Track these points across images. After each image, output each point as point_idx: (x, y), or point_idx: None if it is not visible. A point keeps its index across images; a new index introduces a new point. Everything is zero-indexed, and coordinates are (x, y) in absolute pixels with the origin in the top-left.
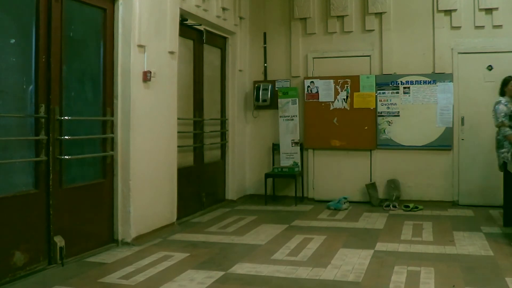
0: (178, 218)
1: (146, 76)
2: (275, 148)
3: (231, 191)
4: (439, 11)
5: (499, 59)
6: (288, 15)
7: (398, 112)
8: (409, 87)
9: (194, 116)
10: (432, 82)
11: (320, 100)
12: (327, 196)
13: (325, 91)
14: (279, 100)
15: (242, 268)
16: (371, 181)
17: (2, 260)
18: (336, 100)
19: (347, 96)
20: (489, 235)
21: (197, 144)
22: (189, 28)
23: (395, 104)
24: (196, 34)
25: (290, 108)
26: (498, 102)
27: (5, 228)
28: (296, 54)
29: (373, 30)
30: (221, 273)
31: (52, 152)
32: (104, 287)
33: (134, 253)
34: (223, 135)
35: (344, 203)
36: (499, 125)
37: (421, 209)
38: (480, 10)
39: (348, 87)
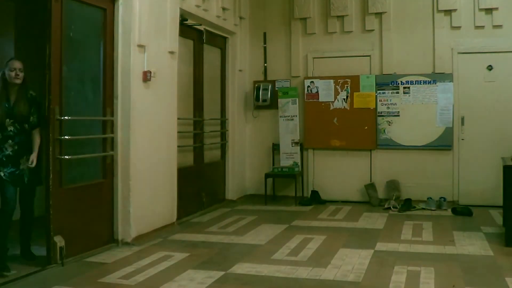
0: (178, 218)
1: (146, 76)
2: (275, 148)
3: (231, 191)
4: (439, 11)
5: (499, 59)
6: (288, 15)
7: (398, 112)
8: (409, 87)
9: (194, 116)
10: (432, 82)
11: (320, 100)
12: (327, 196)
13: (325, 91)
14: (279, 100)
15: (242, 268)
16: (371, 181)
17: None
18: (336, 100)
19: (347, 96)
20: (489, 235)
21: (197, 144)
22: (189, 28)
23: (395, 104)
24: (196, 34)
25: (290, 108)
26: None
27: None
28: (296, 54)
29: (373, 30)
30: (221, 273)
31: (52, 152)
32: (104, 287)
33: (134, 253)
34: (223, 135)
35: None
36: None
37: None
38: (480, 10)
39: (348, 87)
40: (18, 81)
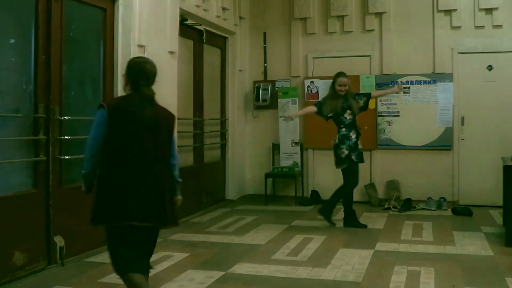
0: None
1: None
2: (275, 148)
3: (231, 191)
4: (439, 11)
5: (499, 59)
6: (288, 15)
7: (398, 112)
8: (409, 87)
9: (194, 116)
10: (432, 82)
11: (320, 100)
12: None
13: (325, 91)
14: (279, 100)
15: (242, 268)
16: (371, 181)
17: (2, 260)
18: None
19: None
20: (489, 235)
21: (197, 144)
22: (189, 28)
23: (395, 104)
24: (196, 34)
25: (290, 108)
26: None
27: (5, 228)
28: (296, 54)
29: (373, 30)
30: (221, 273)
31: (52, 152)
32: (104, 287)
33: None
34: (223, 135)
35: None
36: None
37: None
38: (480, 10)
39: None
40: (342, 93)
